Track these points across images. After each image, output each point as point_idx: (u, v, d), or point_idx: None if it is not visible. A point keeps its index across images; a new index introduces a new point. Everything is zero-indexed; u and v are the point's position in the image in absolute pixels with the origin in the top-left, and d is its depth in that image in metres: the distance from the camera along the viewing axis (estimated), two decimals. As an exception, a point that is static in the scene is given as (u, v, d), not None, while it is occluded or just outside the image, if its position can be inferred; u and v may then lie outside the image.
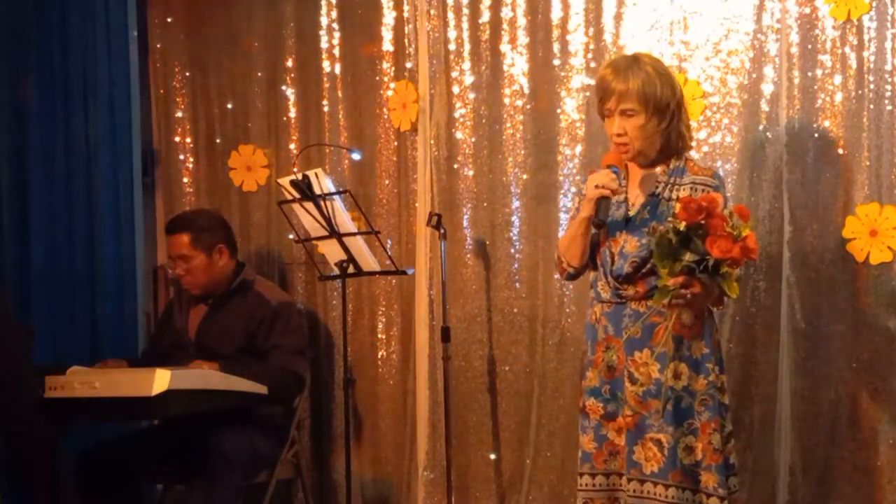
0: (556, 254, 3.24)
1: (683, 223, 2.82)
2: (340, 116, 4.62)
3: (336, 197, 3.98)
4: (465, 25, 4.31)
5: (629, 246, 3.07)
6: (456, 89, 4.34)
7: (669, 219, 2.98)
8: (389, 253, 4.27)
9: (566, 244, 3.18)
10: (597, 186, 3.00)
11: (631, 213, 3.10)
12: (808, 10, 3.68)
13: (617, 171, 3.05)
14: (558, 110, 4.13)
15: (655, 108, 3.03)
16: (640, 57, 3.13)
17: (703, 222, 2.81)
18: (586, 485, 3.15)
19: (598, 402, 3.13)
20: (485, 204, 4.29)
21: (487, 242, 4.28)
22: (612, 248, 3.11)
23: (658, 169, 3.13)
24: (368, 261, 4.06)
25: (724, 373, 3.16)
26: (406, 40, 4.45)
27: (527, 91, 4.20)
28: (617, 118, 3.06)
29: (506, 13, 4.22)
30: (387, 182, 4.54)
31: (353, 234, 4.01)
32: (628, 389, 3.06)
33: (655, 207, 3.08)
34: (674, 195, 3.07)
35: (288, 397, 4.11)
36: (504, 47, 4.23)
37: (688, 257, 2.81)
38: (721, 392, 3.10)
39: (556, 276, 4.05)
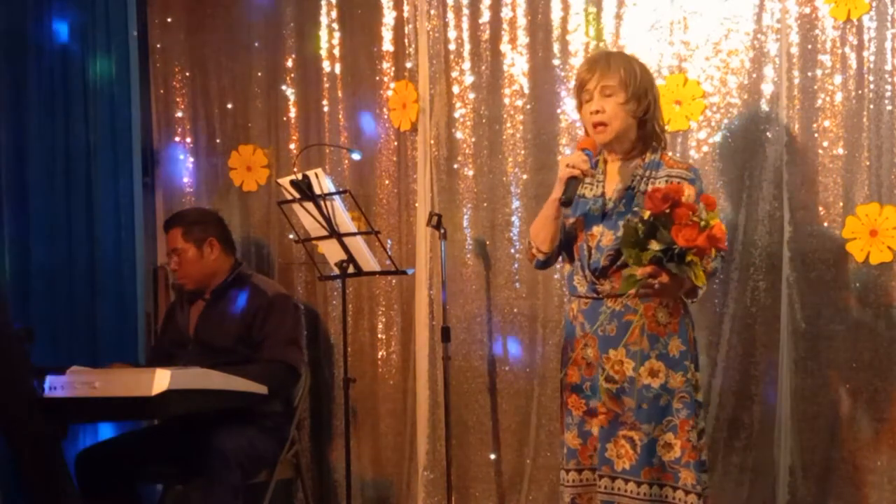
0: (528, 239, 3.26)
1: (648, 212, 2.83)
2: (340, 116, 4.63)
3: (336, 197, 3.98)
4: (465, 25, 4.31)
5: (605, 239, 3.09)
6: (456, 89, 4.34)
7: (635, 208, 3.02)
8: (389, 253, 4.27)
9: (537, 228, 3.20)
10: (567, 166, 3.03)
11: (608, 207, 3.12)
12: (808, 10, 3.68)
13: (590, 154, 3.07)
14: (558, 110, 4.13)
15: (634, 91, 3.09)
16: (617, 51, 3.28)
17: (668, 211, 2.81)
18: (573, 480, 3.17)
19: (580, 399, 3.15)
20: (485, 204, 4.29)
21: (487, 242, 4.28)
22: (589, 242, 3.13)
23: (634, 163, 3.16)
24: (368, 261, 4.06)
25: (699, 370, 3.17)
26: (406, 40, 4.45)
27: (527, 91, 4.20)
28: (596, 97, 3.11)
29: (506, 13, 4.22)
30: (387, 182, 4.54)
31: (353, 234, 4.01)
32: (602, 386, 3.08)
33: (631, 200, 3.10)
34: (649, 188, 3.08)
35: (284, 389, 4.11)
36: (504, 47, 4.23)
37: (654, 247, 2.81)
38: (696, 390, 3.11)
39: (557, 274, 4.06)
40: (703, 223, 2.80)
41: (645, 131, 3.15)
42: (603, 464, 3.08)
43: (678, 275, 2.84)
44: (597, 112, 3.11)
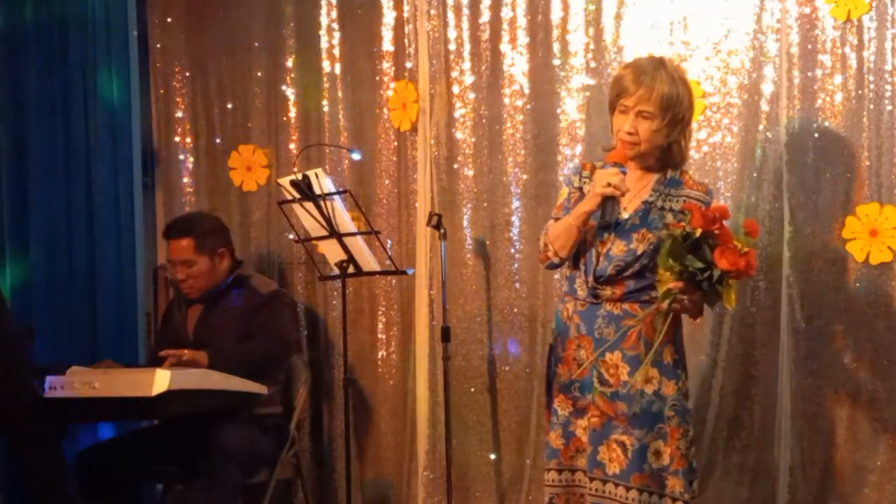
0: (543, 240, 3.15)
1: (699, 230, 2.83)
2: (340, 116, 4.63)
3: (336, 197, 3.98)
4: (465, 25, 4.31)
5: (616, 248, 3.07)
6: (456, 89, 4.34)
7: (672, 223, 2.98)
8: (389, 253, 4.27)
9: (557, 233, 3.11)
10: (608, 185, 2.96)
11: (624, 217, 3.09)
12: (808, 10, 3.68)
13: (625, 170, 3.01)
14: (558, 110, 4.13)
15: (673, 117, 3.03)
16: (665, 62, 3.10)
17: (716, 232, 2.83)
18: (553, 480, 3.16)
19: (567, 399, 3.14)
20: (485, 204, 4.29)
21: (487, 242, 4.28)
22: (599, 249, 3.10)
23: (655, 177, 3.12)
24: (368, 261, 4.06)
25: (688, 378, 3.15)
26: (406, 40, 4.45)
27: (527, 91, 4.20)
28: (631, 116, 3.03)
29: (506, 13, 4.22)
30: (387, 182, 4.54)
31: (353, 234, 4.01)
32: (597, 390, 3.07)
33: (647, 215, 3.07)
34: (667, 205, 3.07)
35: (277, 362, 4.08)
36: (504, 47, 4.23)
37: (694, 264, 2.82)
38: (686, 398, 3.11)
39: (557, 274, 4.05)
40: (742, 248, 2.83)
41: (670, 149, 3.09)
42: (594, 466, 3.07)
43: (707, 294, 2.86)
44: (630, 133, 3.04)
